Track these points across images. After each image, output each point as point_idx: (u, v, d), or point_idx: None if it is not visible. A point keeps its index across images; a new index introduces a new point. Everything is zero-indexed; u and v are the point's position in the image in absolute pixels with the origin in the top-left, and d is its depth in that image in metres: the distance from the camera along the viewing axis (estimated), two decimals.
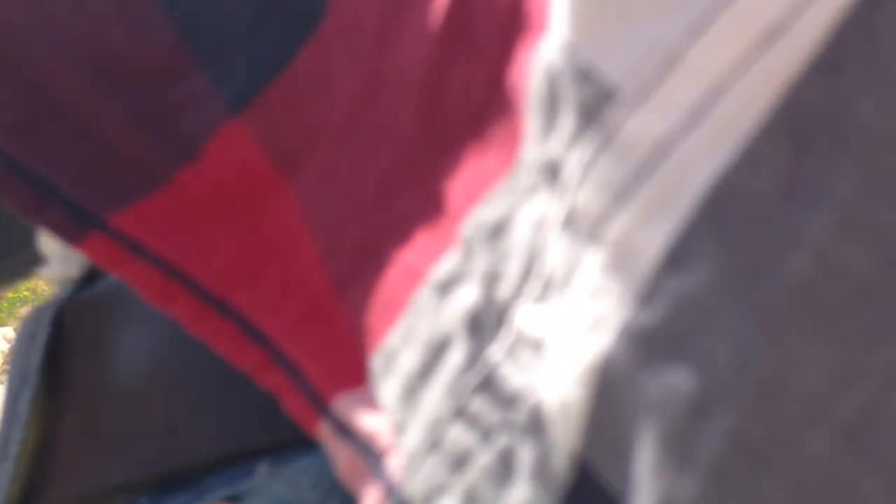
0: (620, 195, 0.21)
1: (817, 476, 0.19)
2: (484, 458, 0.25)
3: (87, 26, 0.34)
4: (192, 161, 0.34)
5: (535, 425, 0.24)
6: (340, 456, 0.29)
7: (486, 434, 0.25)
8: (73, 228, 0.34)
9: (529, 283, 0.25)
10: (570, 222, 0.23)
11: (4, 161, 0.34)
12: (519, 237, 0.25)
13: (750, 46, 0.20)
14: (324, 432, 0.30)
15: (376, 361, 0.29)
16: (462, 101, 0.28)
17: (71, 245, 0.35)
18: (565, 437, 0.23)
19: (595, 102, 0.22)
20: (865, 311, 0.19)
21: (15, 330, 1.98)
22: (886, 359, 0.19)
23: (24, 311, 2.03)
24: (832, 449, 0.19)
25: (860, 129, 0.19)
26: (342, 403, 0.29)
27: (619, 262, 0.21)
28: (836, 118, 0.19)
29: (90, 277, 0.42)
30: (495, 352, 0.25)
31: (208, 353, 0.33)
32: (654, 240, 0.21)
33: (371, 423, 0.28)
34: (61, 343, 0.41)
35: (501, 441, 0.25)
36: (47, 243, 0.44)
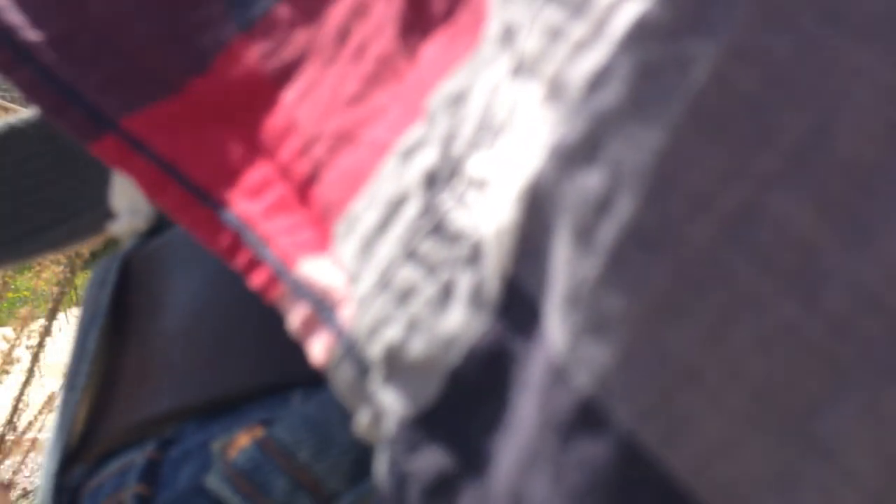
0: (557, 34, 0.25)
1: (699, 260, 0.22)
2: (428, 291, 0.28)
3: None
4: (202, 72, 0.38)
5: (475, 256, 0.27)
6: (296, 314, 0.32)
7: (431, 270, 0.28)
8: (90, 129, 0.38)
9: (482, 135, 0.28)
10: (518, 69, 0.26)
11: (38, 69, 0.38)
12: (476, 100, 0.28)
13: None
14: (282, 295, 0.33)
15: (339, 227, 0.32)
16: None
17: (85, 144, 0.39)
18: (498, 260, 0.26)
19: None
20: (749, 122, 0.22)
21: (15, 330, 2.00)
22: (764, 163, 0.22)
23: (23, 311, 2.05)
24: (713, 237, 0.22)
25: None
26: (303, 267, 0.32)
27: (552, 93, 0.25)
28: None
29: (154, 231, 0.46)
30: (447, 200, 0.28)
31: (249, 295, 0.36)
32: (582, 69, 0.24)
33: (327, 279, 0.31)
34: (126, 289, 0.45)
35: (444, 275, 0.27)
36: (117, 200, 0.48)
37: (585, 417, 0.22)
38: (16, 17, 0.39)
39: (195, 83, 0.38)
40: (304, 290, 0.32)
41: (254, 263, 0.35)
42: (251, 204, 0.36)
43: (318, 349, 0.31)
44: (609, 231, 0.22)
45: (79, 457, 0.45)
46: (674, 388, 0.22)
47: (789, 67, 0.22)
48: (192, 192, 0.37)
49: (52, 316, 1.99)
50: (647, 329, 0.22)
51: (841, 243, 0.21)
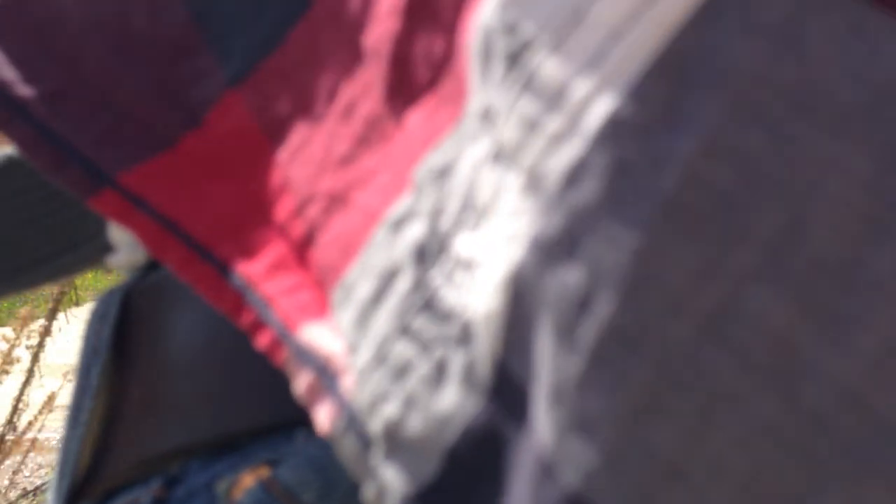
0: (534, 126, 0.25)
1: (679, 358, 0.22)
2: (422, 368, 0.28)
3: (113, 8, 0.39)
4: (195, 127, 0.38)
5: (466, 336, 0.27)
6: (301, 379, 0.33)
7: (425, 347, 0.28)
8: (88, 185, 0.39)
9: (466, 214, 0.28)
10: (498, 155, 0.27)
11: (36, 125, 0.39)
12: (461, 176, 0.29)
13: (641, 1, 0.24)
14: (286, 359, 0.33)
15: (336, 294, 0.32)
16: (424, 66, 0.32)
17: (85, 200, 0.39)
18: (488, 344, 0.27)
19: (518, 50, 0.26)
20: (724, 219, 0.22)
21: (15, 330, 2.02)
22: (741, 260, 0.22)
23: (23, 311, 2.06)
24: (692, 335, 0.22)
25: (728, 67, 0.23)
26: (305, 332, 0.33)
27: (531, 185, 0.25)
28: (711, 59, 0.23)
29: (154, 264, 0.46)
30: (436, 276, 0.29)
31: None
32: (559, 163, 0.24)
33: (329, 347, 0.32)
34: (128, 322, 0.46)
35: (438, 353, 0.28)
36: (116, 233, 0.49)
37: None
38: (10, 73, 0.40)
39: (189, 138, 0.38)
40: (307, 357, 0.33)
41: (257, 325, 0.35)
42: (252, 263, 0.36)
43: (323, 418, 0.32)
44: (590, 329, 0.23)
45: (84, 492, 0.46)
46: (657, 486, 0.22)
47: (762, 162, 0.23)
48: (195, 250, 0.38)
49: (52, 316, 2.01)
50: (630, 428, 0.22)
51: (818, 339, 0.22)
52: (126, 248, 0.48)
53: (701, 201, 0.23)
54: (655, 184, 0.23)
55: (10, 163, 0.59)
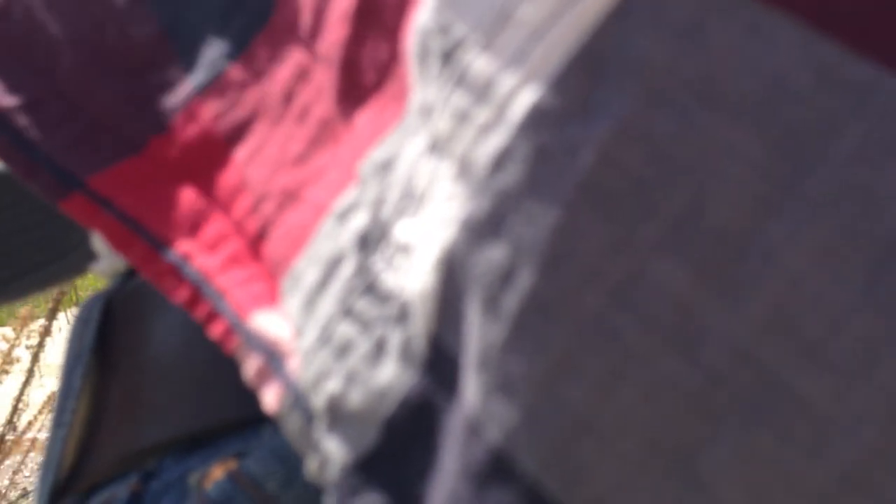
0: (465, 117, 0.27)
1: (591, 323, 0.25)
2: (363, 346, 0.30)
3: (88, 22, 0.41)
4: (162, 132, 0.40)
5: (403, 315, 0.29)
6: (250, 364, 0.35)
7: (366, 327, 0.30)
8: (59, 189, 0.41)
9: (405, 203, 0.30)
10: (434, 146, 0.29)
11: (11, 134, 0.41)
12: (402, 168, 0.31)
13: (561, 3, 0.26)
14: (237, 347, 0.35)
15: (286, 283, 0.34)
16: (371, 69, 0.34)
17: (55, 202, 0.41)
18: (423, 320, 0.29)
19: (451, 49, 0.28)
20: (633, 198, 0.25)
21: (15, 330, 2.01)
22: (648, 234, 0.25)
23: (23, 311, 2.06)
24: (604, 303, 0.25)
25: (639, 60, 0.25)
26: (255, 320, 0.35)
27: (462, 171, 0.27)
28: (624, 53, 0.25)
29: (135, 271, 0.48)
30: (378, 261, 0.31)
31: None
32: (487, 151, 0.27)
33: (276, 332, 0.34)
34: (110, 327, 0.48)
35: (378, 332, 0.30)
36: (98, 242, 0.50)
37: (496, 467, 0.25)
38: None
39: (155, 142, 0.41)
40: (256, 342, 0.35)
41: (212, 316, 0.37)
42: (209, 258, 0.38)
43: (271, 398, 0.33)
44: (512, 300, 0.25)
45: (68, 489, 0.47)
46: (570, 439, 0.24)
47: (669, 146, 0.25)
48: (155, 247, 0.39)
49: (52, 316, 2.00)
50: (547, 388, 0.25)
51: (715, 304, 0.24)
52: (107, 255, 0.50)
53: (613, 182, 0.25)
54: (572, 167, 0.25)
55: None
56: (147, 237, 0.40)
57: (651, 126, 0.25)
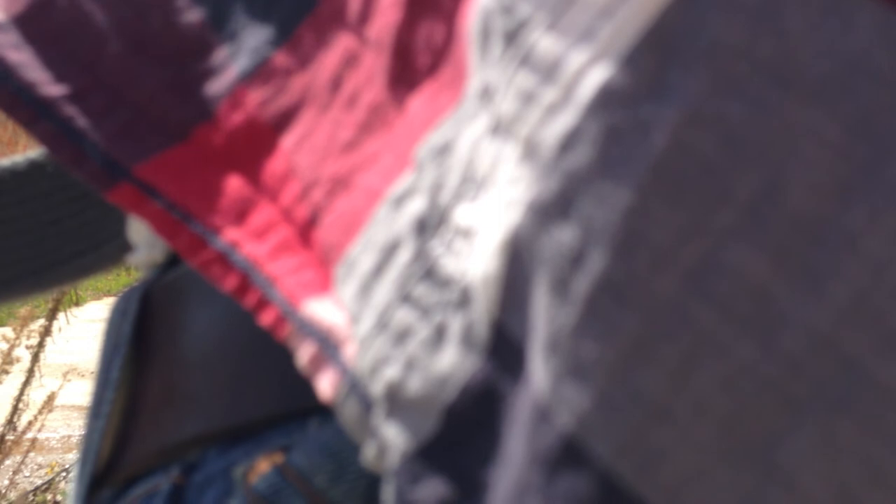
0: (530, 98, 0.27)
1: (665, 309, 0.24)
2: (423, 332, 0.30)
3: (132, 11, 0.41)
4: (207, 120, 0.40)
5: (464, 300, 0.29)
6: (304, 351, 0.34)
7: (425, 312, 0.30)
8: (106, 178, 0.41)
9: (466, 187, 0.30)
10: (496, 129, 0.28)
11: (58, 123, 0.41)
12: (461, 153, 0.31)
13: None
14: (290, 334, 0.35)
15: (340, 271, 0.34)
16: (425, 53, 0.34)
17: (102, 192, 0.41)
18: (486, 306, 0.28)
19: (515, 29, 0.27)
20: (706, 181, 0.24)
21: (15, 330, 2.02)
22: (723, 219, 0.24)
23: (23, 311, 2.06)
24: (676, 288, 0.24)
25: (711, 42, 0.25)
26: (308, 307, 0.35)
27: (528, 153, 0.27)
28: (695, 34, 0.25)
29: (173, 261, 0.48)
30: (436, 246, 0.30)
31: None
32: (555, 131, 0.26)
33: (331, 319, 0.34)
34: (147, 318, 0.47)
35: (437, 317, 0.30)
36: (135, 233, 0.50)
37: (568, 454, 0.24)
38: (37, 74, 0.42)
39: (201, 130, 0.40)
40: (309, 329, 0.34)
41: (262, 303, 0.37)
42: (257, 245, 0.38)
43: (326, 385, 0.33)
44: (583, 283, 0.25)
45: (106, 481, 0.47)
46: (646, 426, 0.24)
47: (742, 129, 0.24)
48: (203, 235, 0.39)
49: (52, 316, 2.01)
50: (620, 373, 0.24)
51: (793, 290, 0.24)
52: (144, 246, 0.50)
53: (685, 165, 0.24)
54: (643, 148, 0.25)
55: (33, 167, 0.60)
56: (194, 225, 0.40)
57: (723, 109, 0.24)
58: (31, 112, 0.41)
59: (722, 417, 0.23)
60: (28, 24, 0.43)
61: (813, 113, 0.24)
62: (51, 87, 0.42)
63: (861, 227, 0.24)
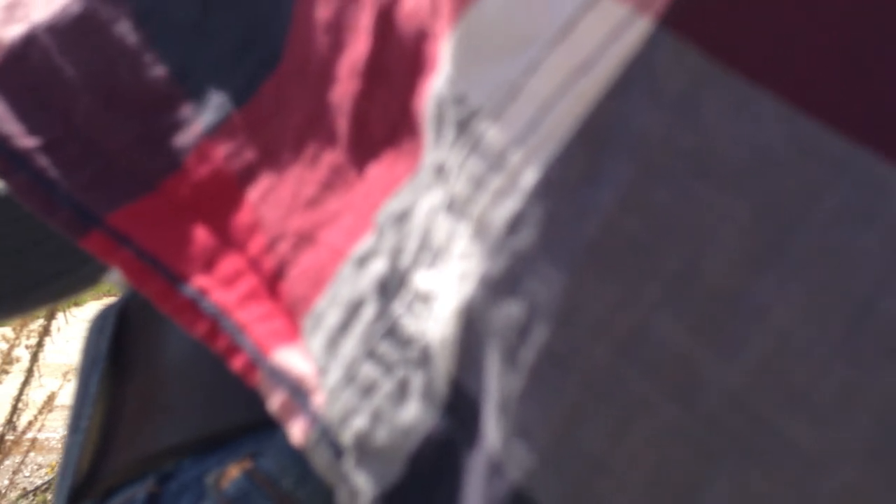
0: (480, 183, 0.30)
1: (600, 374, 0.27)
2: (387, 387, 0.33)
3: (103, 66, 0.44)
4: (175, 172, 0.43)
5: (425, 359, 0.32)
6: (275, 398, 0.37)
7: (389, 368, 0.33)
8: (79, 226, 0.43)
9: (423, 254, 0.33)
10: (451, 206, 0.32)
11: (31, 173, 0.43)
12: (417, 221, 0.34)
13: (567, 78, 0.29)
14: (261, 381, 0.38)
15: (307, 322, 0.37)
16: (381, 123, 0.37)
17: (75, 240, 0.44)
18: (444, 365, 0.31)
19: (466, 119, 0.31)
20: (635, 260, 0.28)
21: (14, 330, 2.02)
22: (650, 293, 0.27)
23: None
24: (611, 356, 0.27)
25: (639, 134, 0.28)
26: (277, 355, 0.38)
27: (478, 232, 0.30)
28: (623, 126, 0.28)
29: None
30: (398, 307, 0.34)
31: None
32: (502, 214, 0.29)
33: (300, 368, 0.37)
34: (125, 334, 0.50)
35: (400, 373, 0.33)
36: None
37: None
38: (12, 127, 0.44)
39: (169, 181, 0.43)
40: (280, 377, 0.37)
41: (232, 349, 0.40)
42: (226, 293, 0.41)
43: (297, 432, 0.36)
44: (529, 353, 0.28)
45: (85, 492, 0.50)
46: (587, 477, 0.27)
47: (667, 213, 0.28)
48: (172, 282, 0.42)
49: (51, 316, 2.00)
50: (563, 432, 0.27)
51: (711, 355, 0.27)
52: None
53: (617, 246, 0.28)
54: (580, 231, 0.28)
55: None
56: (164, 273, 0.42)
57: (651, 195, 0.28)
58: (6, 164, 0.44)
59: (651, 469, 0.27)
60: (2, 78, 0.45)
61: (727, 197, 0.28)
62: (25, 140, 0.44)
63: (770, 297, 0.27)
